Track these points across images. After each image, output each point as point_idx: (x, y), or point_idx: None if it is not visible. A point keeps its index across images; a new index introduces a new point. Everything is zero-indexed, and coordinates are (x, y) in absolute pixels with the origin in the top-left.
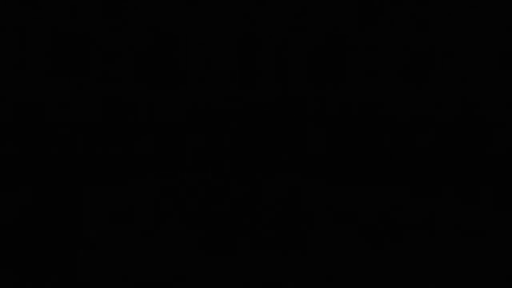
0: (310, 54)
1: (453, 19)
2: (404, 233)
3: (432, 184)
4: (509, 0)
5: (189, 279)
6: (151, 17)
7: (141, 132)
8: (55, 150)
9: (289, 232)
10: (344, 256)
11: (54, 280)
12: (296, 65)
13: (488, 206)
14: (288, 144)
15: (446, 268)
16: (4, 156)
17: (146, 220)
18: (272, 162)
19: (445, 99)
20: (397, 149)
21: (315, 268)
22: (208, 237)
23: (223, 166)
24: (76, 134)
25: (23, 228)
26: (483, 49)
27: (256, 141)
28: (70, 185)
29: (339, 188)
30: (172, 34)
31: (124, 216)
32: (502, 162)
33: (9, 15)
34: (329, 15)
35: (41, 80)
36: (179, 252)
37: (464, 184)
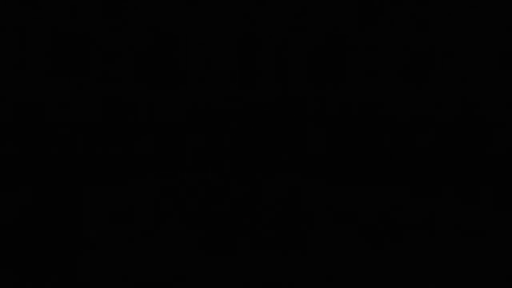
0: (310, 54)
1: (453, 19)
2: (404, 233)
3: (432, 184)
4: (509, 0)
5: (189, 279)
6: (151, 17)
7: (141, 132)
8: (55, 150)
9: (289, 232)
10: (344, 256)
11: (54, 280)
12: (296, 65)
13: (488, 206)
14: (288, 144)
15: (446, 268)
16: (4, 156)
17: (146, 220)
18: (272, 162)
19: (445, 99)
20: (397, 149)
21: (315, 268)
22: (208, 237)
23: (223, 166)
24: (76, 134)
25: (23, 228)
26: (483, 49)
27: (256, 141)
28: (70, 185)
29: (339, 188)
30: (172, 34)
31: (124, 216)
32: (502, 162)
33: (9, 15)
34: (329, 15)
35: (41, 80)
36: (179, 252)
37: (464, 184)
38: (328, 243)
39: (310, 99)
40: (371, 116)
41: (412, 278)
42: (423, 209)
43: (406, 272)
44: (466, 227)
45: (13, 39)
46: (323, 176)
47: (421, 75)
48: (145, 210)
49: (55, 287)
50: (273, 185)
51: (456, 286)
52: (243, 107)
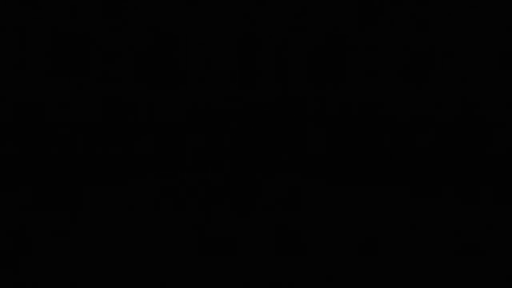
0: (310, 54)
1: (453, 19)
2: (404, 233)
3: (432, 184)
4: (509, 0)
5: (189, 279)
6: (151, 17)
7: (141, 132)
8: (55, 150)
9: (289, 232)
10: (344, 256)
11: (54, 280)
12: (296, 65)
13: (488, 206)
14: (288, 144)
15: (446, 268)
16: (4, 156)
17: (146, 220)
18: (272, 162)
19: (445, 99)
20: (397, 149)
21: (315, 268)
22: (208, 237)
23: (223, 166)
24: (76, 134)
25: (23, 228)
26: (483, 49)
27: (256, 141)
28: (70, 185)
29: (339, 188)
30: (172, 34)
31: (124, 216)
32: (502, 162)
33: (9, 15)
34: (329, 15)
35: (41, 80)
36: (179, 252)
37: (464, 184)
38: (328, 243)
39: (310, 99)
40: (371, 116)
41: (412, 278)
42: (423, 209)
43: (406, 272)
44: (466, 227)
45: (13, 39)
46: (323, 176)
47: (421, 75)
48: (145, 210)
49: (55, 287)
50: (273, 185)
51: (455, 286)
52: (243, 107)
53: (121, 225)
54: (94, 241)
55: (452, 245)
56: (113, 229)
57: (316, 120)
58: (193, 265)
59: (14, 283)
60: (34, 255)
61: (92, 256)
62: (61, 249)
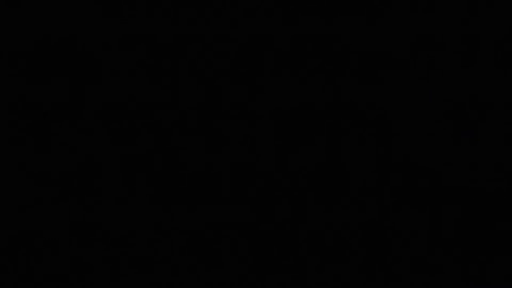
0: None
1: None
2: (405, 231)
3: None
4: (509, 0)
5: (189, 279)
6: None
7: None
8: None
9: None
10: (345, 256)
11: (54, 280)
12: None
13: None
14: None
15: (445, 268)
16: None
17: (146, 220)
18: None
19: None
20: None
21: (315, 268)
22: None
23: None
24: None
25: (23, 228)
26: (483, 48)
27: None
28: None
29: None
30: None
31: (124, 216)
32: None
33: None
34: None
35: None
36: (179, 251)
37: None
38: (328, 243)
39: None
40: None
41: (412, 279)
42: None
43: (405, 273)
44: (468, 227)
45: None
46: None
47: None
48: (145, 210)
49: (55, 287)
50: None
51: (455, 286)
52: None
53: (121, 225)
54: (94, 241)
55: (453, 245)
56: (113, 229)
57: None
58: (193, 264)
59: (14, 283)
60: (34, 255)
61: (92, 256)
62: (61, 249)
